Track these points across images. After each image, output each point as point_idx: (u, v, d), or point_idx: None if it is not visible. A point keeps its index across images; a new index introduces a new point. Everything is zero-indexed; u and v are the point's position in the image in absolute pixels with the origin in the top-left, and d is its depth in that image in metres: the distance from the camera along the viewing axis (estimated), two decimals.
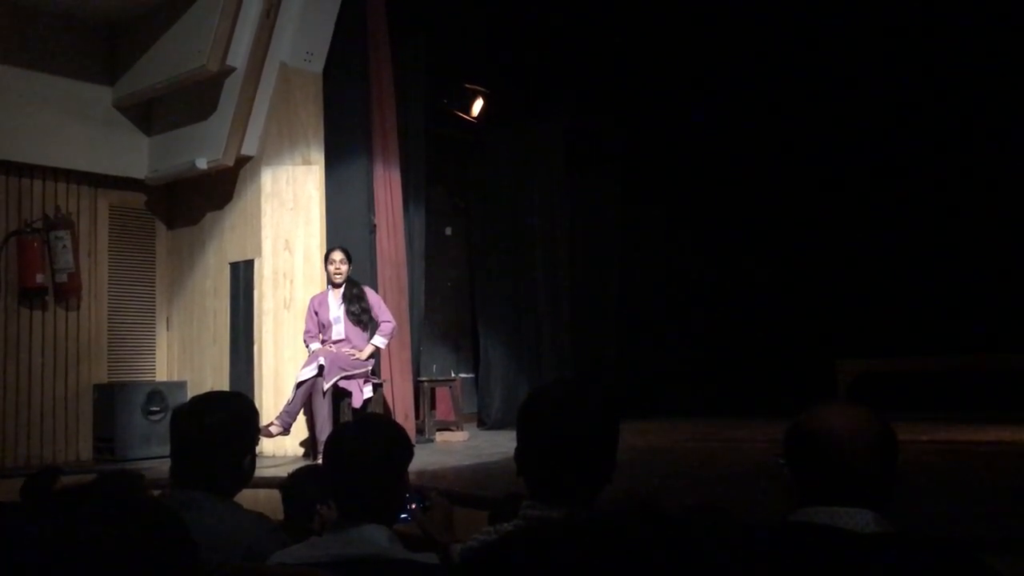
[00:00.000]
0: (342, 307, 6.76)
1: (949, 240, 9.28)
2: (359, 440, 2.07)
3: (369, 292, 6.96)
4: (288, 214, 7.32)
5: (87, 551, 0.85)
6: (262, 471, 5.26)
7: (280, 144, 7.34)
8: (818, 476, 1.64)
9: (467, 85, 9.56)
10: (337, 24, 7.44)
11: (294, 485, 3.15)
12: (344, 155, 7.57)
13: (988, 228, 9.08)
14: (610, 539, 1.11)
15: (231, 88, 7.08)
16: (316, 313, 6.79)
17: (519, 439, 1.78)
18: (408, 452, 2.13)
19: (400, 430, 2.17)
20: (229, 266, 7.50)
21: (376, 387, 6.93)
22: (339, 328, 6.75)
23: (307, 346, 6.76)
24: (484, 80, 9.74)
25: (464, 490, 5.08)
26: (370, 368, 6.83)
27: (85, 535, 0.86)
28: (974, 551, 1.58)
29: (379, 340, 6.84)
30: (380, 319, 6.89)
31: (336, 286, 6.82)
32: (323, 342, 6.75)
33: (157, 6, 7.18)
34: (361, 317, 6.79)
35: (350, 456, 2.03)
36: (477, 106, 9.60)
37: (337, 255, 6.82)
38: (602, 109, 10.34)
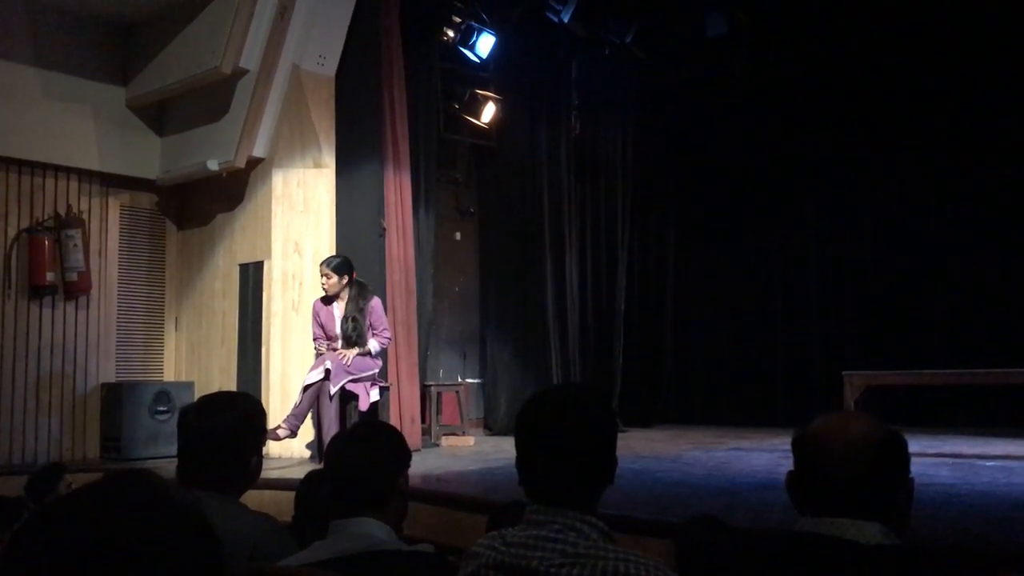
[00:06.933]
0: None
1: (958, 254, 9.25)
2: (350, 444, 2.17)
3: (373, 302, 6.78)
4: (298, 217, 7.34)
5: (116, 550, 0.84)
6: (268, 473, 5.28)
7: (291, 147, 7.36)
8: (825, 485, 1.63)
9: (478, 91, 9.58)
10: (350, 28, 7.45)
11: (307, 487, 3.17)
12: (355, 158, 7.58)
13: (997, 242, 9.04)
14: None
15: (244, 90, 7.10)
16: (322, 325, 6.72)
17: (517, 445, 1.78)
18: (405, 457, 2.18)
19: (397, 435, 2.24)
20: (238, 268, 7.52)
21: (383, 391, 6.92)
22: (341, 345, 6.70)
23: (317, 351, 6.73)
24: (495, 86, 9.76)
25: (469, 495, 5.08)
26: (377, 371, 6.82)
27: (113, 533, 0.85)
28: (980, 565, 1.57)
29: (372, 344, 6.69)
30: (376, 328, 6.73)
31: (326, 301, 6.71)
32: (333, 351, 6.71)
33: (171, 7, 7.21)
34: (355, 340, 6.62)
35: (342, 460, 2.13)
36: (488, 112, 9.61)
37: (321, 267, 6.71)
38: (612, 116, 10.34)
